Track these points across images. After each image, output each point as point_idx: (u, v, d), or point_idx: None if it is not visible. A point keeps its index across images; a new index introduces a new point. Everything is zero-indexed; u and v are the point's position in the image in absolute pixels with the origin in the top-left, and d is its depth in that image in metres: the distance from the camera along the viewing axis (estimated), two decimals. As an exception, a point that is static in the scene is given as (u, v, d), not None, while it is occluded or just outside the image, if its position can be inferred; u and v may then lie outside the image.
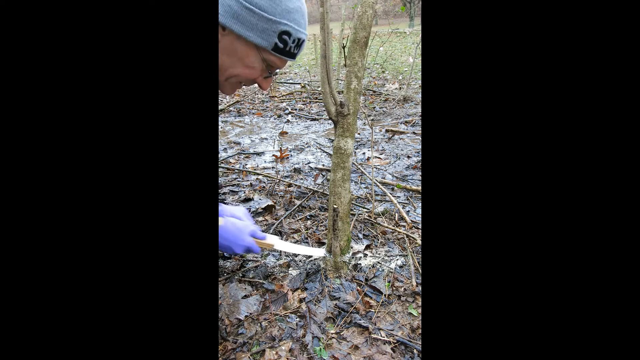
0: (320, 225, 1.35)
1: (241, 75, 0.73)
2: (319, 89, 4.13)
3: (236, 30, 0.65)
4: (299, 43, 0.72)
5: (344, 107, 0.96)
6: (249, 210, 1.43)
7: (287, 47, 0.70)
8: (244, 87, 3.72)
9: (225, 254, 1.16)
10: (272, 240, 1.01)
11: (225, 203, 1.14)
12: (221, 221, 0.93)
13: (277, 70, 0.78)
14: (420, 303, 0.97)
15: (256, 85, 0.79)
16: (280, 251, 1.17)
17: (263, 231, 1.02)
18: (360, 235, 1.28)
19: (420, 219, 1.42)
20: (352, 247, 1.11)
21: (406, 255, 1.15)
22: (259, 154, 2.24)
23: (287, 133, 2.73)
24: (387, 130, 2.67)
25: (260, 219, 1.41)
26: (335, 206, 1.01)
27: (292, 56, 0.73)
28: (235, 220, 0.96)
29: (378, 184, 1.67)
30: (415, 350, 0.83)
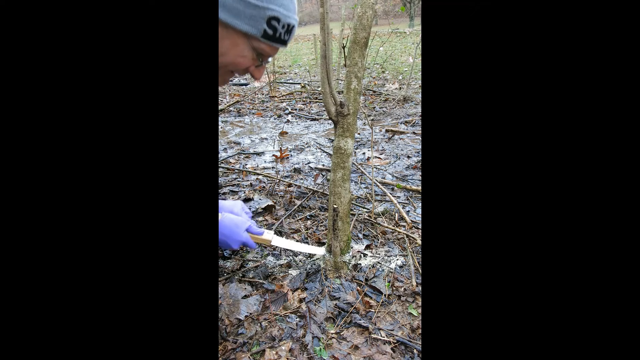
0: (320, 225, 1.35)
1: (232, 65, 0.71)
2: (319, 89, 4.13)
3: (224, 19, 0.63)
4: (289, 29, 0.70)
5: (344, 107, 0.96)
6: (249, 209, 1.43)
7: (276, 33, 0.68)
8: (243, 88, 3.71)
9: (225, 253, 1.16)
10: (269, 236, 1.02)
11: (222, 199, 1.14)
12: (218, 216, 0.93)
13: (270, 59, 0.76)
14: (420, 303, 0.97)
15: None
16: (280, 250, 1.18)
17: None
18: (360, 235, 1.28)
19: (420, 219, 1.42)
20: (352, 247, 1.11)
21: (406, 255, 1.15)
22: (259, 154, 2.24)
23: (287, 133, 2.73)
24: (387, 130, 2.67)
25: (260, 219, 1.41)
26: (335, 206, 1.01)
27: (283, 43, 0.71)
28: (232, 215, 0.97)
29: (378, 184, 1.67)
30: (415, 350, 0.83)
